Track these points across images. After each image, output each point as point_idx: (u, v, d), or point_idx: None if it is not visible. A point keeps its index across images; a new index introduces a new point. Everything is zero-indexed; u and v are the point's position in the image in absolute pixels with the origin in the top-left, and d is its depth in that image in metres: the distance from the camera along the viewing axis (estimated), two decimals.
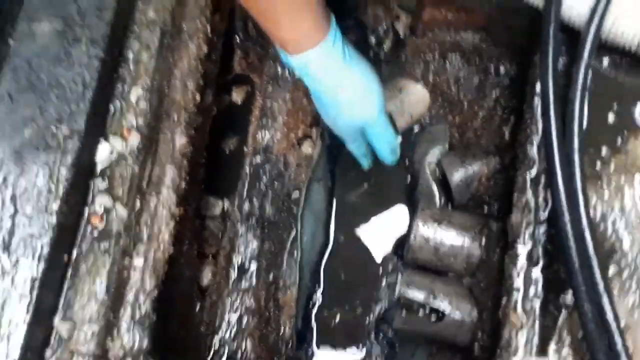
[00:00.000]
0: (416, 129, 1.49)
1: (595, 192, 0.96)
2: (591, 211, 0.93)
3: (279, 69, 1.50)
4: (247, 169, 1.47)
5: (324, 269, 1.48)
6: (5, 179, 0.97)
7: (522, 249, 1.00)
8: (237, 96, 1.53)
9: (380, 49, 1.51)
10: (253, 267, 1.41)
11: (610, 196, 0.96)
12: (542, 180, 1.01)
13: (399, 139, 1.38)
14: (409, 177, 1.48)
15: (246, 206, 1.44)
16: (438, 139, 1.44)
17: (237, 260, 1.41)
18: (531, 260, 0.98)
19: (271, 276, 1.43)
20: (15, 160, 0.97)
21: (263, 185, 1.46)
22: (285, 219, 1.46)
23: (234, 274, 1.40)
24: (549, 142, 0.92)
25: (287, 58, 1.14)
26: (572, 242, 0.88)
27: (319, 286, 1.47)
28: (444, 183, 1.38)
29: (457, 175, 1.33)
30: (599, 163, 0.98)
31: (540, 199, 1.00)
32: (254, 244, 1.42)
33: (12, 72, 1.00)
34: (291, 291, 1.42)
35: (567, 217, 0.89)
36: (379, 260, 1.44)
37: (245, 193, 1.45)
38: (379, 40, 1.52)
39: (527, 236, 1.00)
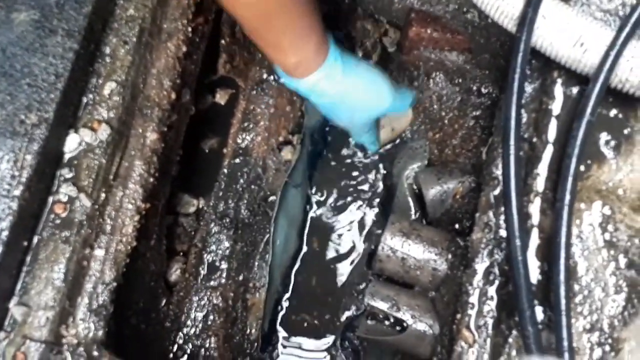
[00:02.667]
0: (397, 142, 1.50)
1: None
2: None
3: (264, 74, 1.51)
4: (224, 169, 1.48)
5: (294, 273, 1.49)
6: None
7: (480, 267, 1.00)
8: (221, 98, 1.55)
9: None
10: (223, 266, 1.42)
11: None
12: None
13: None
14: (387, 189, 1.50)
15: (221, 206, 1.45)
16: (417, 154, 1.45)
17: (207, 258, 1.42)
18: (487, 279, 0.99)
19: (241, 277, 1.43)
20: None
21: (240, 186, 1.46)
22: (259, 221, 1.47)
23: (203, 272, 1.41)
24: (507, 171, 0.92)
25: (292, 82, 1.17)
26: (521, 267, 0.88)
27: (288, 290, 1.48)
28: (419, 197, 1.38)
29: (432, 192, 1.34)
30: None
31: (501, 220, 1.00)
32: (226, 244, 1.43)
33: None
34: (260, 293, 1.43)
35: (517, 242, 0.89)
36: None
37: (221, 193, 1.46)
38: (366, 53, 1.53)
39: (485, 255, 1.00)
